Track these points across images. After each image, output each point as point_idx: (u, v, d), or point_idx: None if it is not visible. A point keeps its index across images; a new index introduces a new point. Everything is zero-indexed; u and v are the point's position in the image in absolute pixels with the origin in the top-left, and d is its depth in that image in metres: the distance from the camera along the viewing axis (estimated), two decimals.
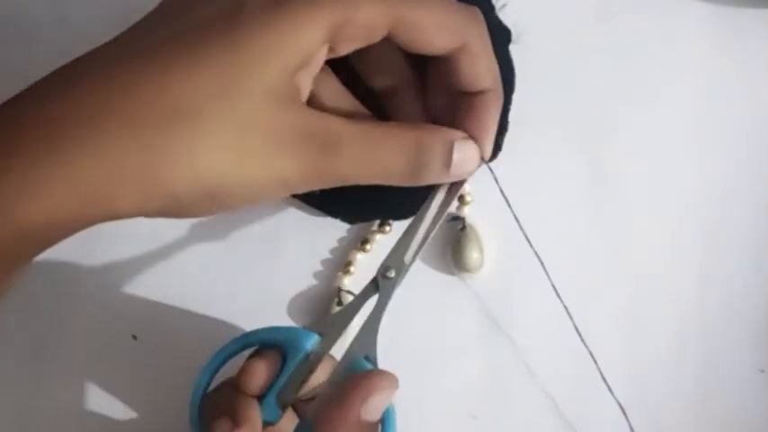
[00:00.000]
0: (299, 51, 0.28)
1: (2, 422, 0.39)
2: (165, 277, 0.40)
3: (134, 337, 0.39)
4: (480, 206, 0.39)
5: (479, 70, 0.31)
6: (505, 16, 0.39)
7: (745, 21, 0.40)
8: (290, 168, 0.29)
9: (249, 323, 0.39)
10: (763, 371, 0.39)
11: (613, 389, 0.39)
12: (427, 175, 0.31)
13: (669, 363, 0.39)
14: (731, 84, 0.40)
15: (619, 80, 0.40)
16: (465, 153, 0.32)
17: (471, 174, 0.32)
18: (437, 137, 0.31)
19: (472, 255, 0.38)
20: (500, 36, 0.39)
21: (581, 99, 0.40)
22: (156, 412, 0.39)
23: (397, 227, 0.39)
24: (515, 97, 0.39)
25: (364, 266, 0.39)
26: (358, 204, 0.38)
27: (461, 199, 0.39)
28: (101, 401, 0.39)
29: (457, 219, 0.39)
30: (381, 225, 0.39)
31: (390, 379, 0.31)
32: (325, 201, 0.38)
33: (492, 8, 0.39)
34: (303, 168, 0.29)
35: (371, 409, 0.30)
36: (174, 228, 0.40)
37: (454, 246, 0.39)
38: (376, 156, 0.30)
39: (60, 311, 0.39)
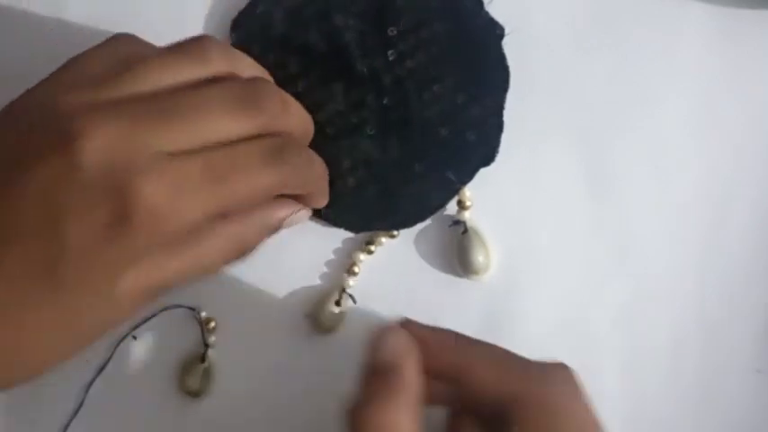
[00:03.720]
0: None
1: (1, 424, 0.39)
2: None
3: (134, 338, 0.39)
4: (482, 209, 0.39)
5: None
6: (496, 12, 0.39)
7: (744, 21, 0.40)
8: None
9: (252, 323, 0.39)
10: (760, 371, 0.39)
11: (613, 388, 0.39)
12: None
13: (668, 363, 0.39)
14: (731, 84, 0.40)
15: (618, 81, 0.40)
16: (290, 221, 0.36)
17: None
18: (258, 230, 0.34)
19: (477, 258, 0.38)
20: (492, 32, 0.39)
21: (580, 100, 0.40)
22: (157, 412, 0.39)
23: (404, 231, 0.39)
24: (514, 99, 0.39)
25: (369, 268, 0.39)
26: (364, 216, 0.39)
27: (461, 204, 0.39)
28: (101, 402, 0.39)
29: (458, 223, 0.39)
30: None
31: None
32: (331, 213, 0.38)
33: (481, 5, 0.39)
34: None
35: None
36: None
37: (459, 250, 0.39)
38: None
39: None
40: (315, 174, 0.35)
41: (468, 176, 0.39)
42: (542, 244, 0.40)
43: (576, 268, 0.39)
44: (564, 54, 0.40)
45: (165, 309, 0.39)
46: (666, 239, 0.40)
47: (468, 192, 0.39)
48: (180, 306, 0.39)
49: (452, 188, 0.39)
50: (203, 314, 0.39)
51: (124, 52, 0.32)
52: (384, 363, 0.31)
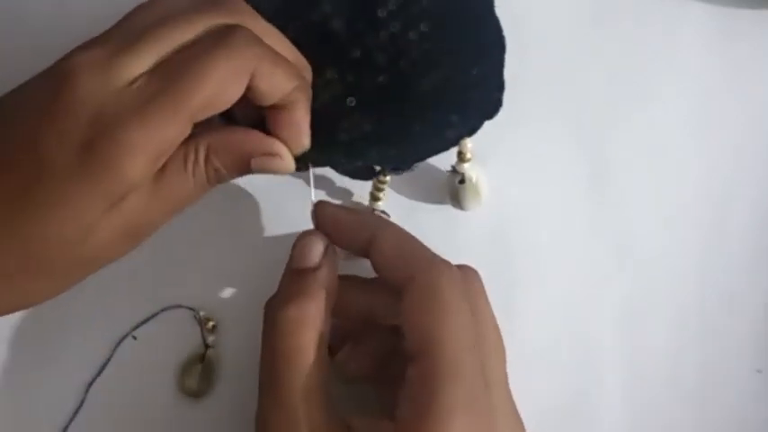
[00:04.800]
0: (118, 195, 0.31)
1: (1, 424, 0.39)
2: (164, 277, 0.39)
3: (134, 338, 0.39)
4: (481, 164, 0.39)
5: (270, 91, 0.33)
6: (498, 13, 0.39)
7: (744, 21, 0.40)
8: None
9: (252, 323, 0.39)
10: (760, 371, 0.39)
11: (613, 388, 0.39)
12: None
13: (668, 363, 0.39)
14: (731, 84, 0.40)
15: (618, 80, 0.40)
16: (264, 163, 0.34)
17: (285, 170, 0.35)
18: (226, 152, 0.34)
19: (474, 208, 0.39)
20: None
21: (580, 99, 0.40)
22: (157, 412, 0.39)
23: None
24: (515, 100, 0.39)
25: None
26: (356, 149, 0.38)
27: (460, 156, 0.38)
28: (101, 402, 0.39)
29: (455, 171, 0.39)
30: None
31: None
32: (323, 159, 0.38)
33: None
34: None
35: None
36: (174, 228, 0.39)
37: (453, 197, 0.39)
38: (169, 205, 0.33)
39: (60, 312, 0.39)
40: (280, 61, 0.34)
41: (470, 125, 0.38)
42: (542, 242, 0.40)
43: (576, 268, 0.40)
44: (566, 56, 0.40)
45: (165, 309, 0.39)
46: (667, 238, 0.40)
47: (470, 144, 0.38)
48: (180, 306, 0.39)
49: (456, 133, 0.38)
50: (203, 314, 0.39)
51: None
52: (303, 264, 0.34)
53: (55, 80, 0.31)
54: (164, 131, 0.31)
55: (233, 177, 0.34)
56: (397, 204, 0.40)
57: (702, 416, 0.39)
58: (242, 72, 0.32)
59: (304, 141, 0.35)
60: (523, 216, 0.40)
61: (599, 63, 0.40)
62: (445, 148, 0.38)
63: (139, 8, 0.33)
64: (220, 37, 0.32)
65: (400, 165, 0.38)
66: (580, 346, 0.39)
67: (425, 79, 0.38)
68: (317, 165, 0.38)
